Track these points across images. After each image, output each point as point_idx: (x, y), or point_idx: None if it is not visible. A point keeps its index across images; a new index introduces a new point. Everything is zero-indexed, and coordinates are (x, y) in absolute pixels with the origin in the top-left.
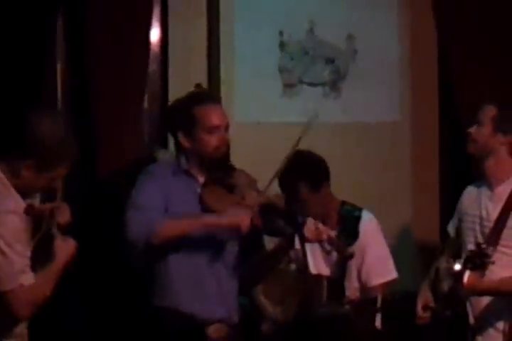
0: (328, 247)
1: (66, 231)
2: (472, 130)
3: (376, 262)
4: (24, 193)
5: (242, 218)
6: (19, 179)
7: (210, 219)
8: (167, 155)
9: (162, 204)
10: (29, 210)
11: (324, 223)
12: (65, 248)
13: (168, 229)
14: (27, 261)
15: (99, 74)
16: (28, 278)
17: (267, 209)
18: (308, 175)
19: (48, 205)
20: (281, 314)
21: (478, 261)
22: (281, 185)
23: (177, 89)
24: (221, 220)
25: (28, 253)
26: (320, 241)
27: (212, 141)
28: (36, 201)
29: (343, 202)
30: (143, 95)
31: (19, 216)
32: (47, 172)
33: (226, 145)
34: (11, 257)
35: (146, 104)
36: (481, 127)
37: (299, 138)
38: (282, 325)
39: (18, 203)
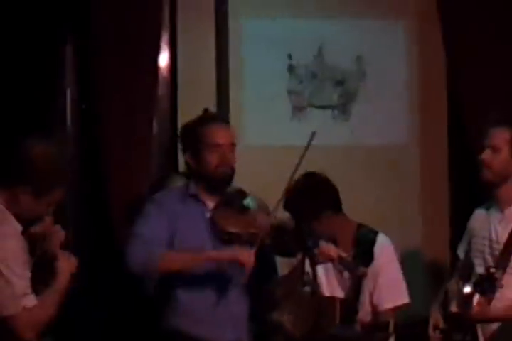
0: (340, 267)
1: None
2: (486, 156)
3: (389, 286)
4: (25, 220)
5: (245, 253)
6: (18, 206)
7: (211, 252)
8: (177, 181)
9: (165, 235)
10: (24, 234)
11: (339, 245)
12: (67, 267)
13: (167, 264)
14: (28, 283)
15: (108, 99)
16: (30, 300)
17: (278, 231)
18: (317, 199)
19: (41, 228)
20: (297, 333)
21: (488, 284)
22: (288, 207)
23: (186, 114)
24: (222, 254)
25: (29, 275)
26: (331, 261)
27: (213, 158)
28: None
29: (360, 225)
30: (152, 119)
31: (18, 240)
32: (44, 196)
33: (229, 165)
34: (12, 281)
35: (155, 129)
36: (496, 152)
37: (302, 156)
38: None
39: (16, 227)
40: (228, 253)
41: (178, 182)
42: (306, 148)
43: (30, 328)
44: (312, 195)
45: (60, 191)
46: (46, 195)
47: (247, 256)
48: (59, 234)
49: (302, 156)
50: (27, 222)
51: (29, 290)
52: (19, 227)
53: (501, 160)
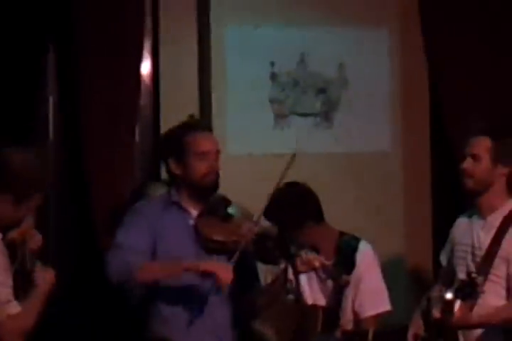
0: (323, 275)
1: (39, 255)
2: (467, 165)
3: (370, 293)
4: (5, 227)
5: (223, 268)
6: None
7: (189, 263)
8: (158, 189)
9: (144, 244)
10: (3, 240)
11: (320, 253)
12: (44, 276)
13: (144, 274)
14: (10, 290)
15: (90, 108)
16: (14, 308)
17: (261, 239)
18: (298, 211)
19: (17, 232)
20: None
21: (469, 290)
22: (269, 217)
23: (169, 122)
24: (200, 265)
25: (10, 282)
26: (314, 270)
27: (201, 167)
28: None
29: (341, 233)
30: (134, 128)
31: None
32: (23, 203)
33: (215, 173)
34: None
35: (137, 137)
36: (477, 161)
37: (286, 168)
38: None
39: None
40: (206, 265)
41: (159, 190)
42: (286, 169)
43: (14, 335)
44: (294, 207)
45: (39, 197)
46: (25, 201)
47: (225, 271)
48: (36, 238)
49: (283, 174)
50: (5, 229)
51: (12, 298)
52: None
53: (482, 168)
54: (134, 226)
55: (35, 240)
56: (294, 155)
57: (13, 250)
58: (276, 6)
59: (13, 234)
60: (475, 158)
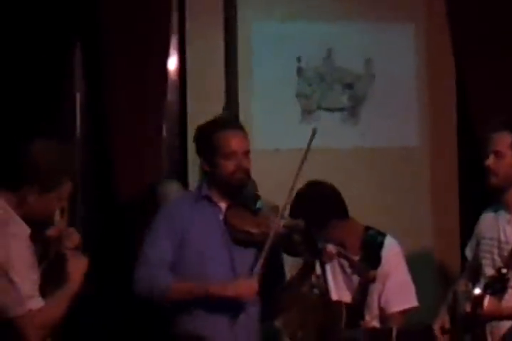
0: (349, 270)
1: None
2: (490, 162)
3: (397, 289)
4: (38, 221)
5: (246, 286)
6: (26, 206)
7: (215, 288)
8: (172, 187)
9: (171, 254)
10: (36, 237)
11: (347, 248)
12: (78, 268)
13: (173, 295)
14: (34, 286)
15: (117, 104)
16: (37, 303)
17: (289, 232)
18: (322, 210)
19: (53, 230)
20: (304, 338)
21: (499, 285)
22: (293, 215)
23: (195, 119)
24: (226, 291)
25: (35, 278)
26: (340, 260)
27: (229, 166)
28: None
29: (367, 228)
30: (161, 124)
31: (23, 240)
32: (51, 193)
33: (244, 171)
34: (18, 282)
35: (164, 133)
36: (499, 158)
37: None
38: None
39: (22, 228)
40: (231, 290)
41: (172, 189)
42: (309, 144)
43: (36, 330)
44: (316, 208)
45: (67, 186)
46: (53, 191)
47: (249, 290)
48: (73, 236)
49: (306, 151)
50: (40, 225)
51: (35, 293)
52: (26, 229)
53: (506, 165)
54: (161, 235)
55: (73, 239)
56: (309, 144)
57: (47, 247)
58: (302, 1)
59: (50, 232)
60: (498, 154)
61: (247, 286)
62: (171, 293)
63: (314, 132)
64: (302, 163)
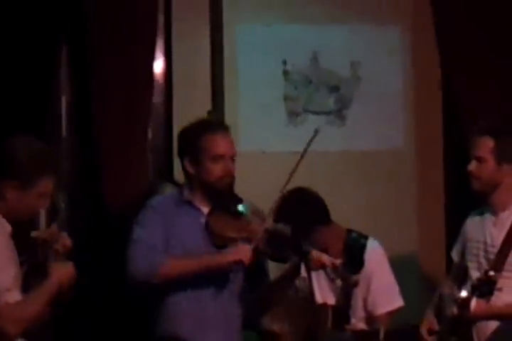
0: (332, 275)
1: (67, 257)
2: (472, 168)
3: (382, 291)
4: (20, 218)
5: (242, 250)
6: (6, 201)
7: (211, 258)
8: (169, 190)
9: (162, 244)
10: (21, 235)
11: (329, 252)
12: (60, 270)
13: (169, 270)
14: (10, 280)
15: (103, 106)
16: (13, 296)
17: (273, 236)
18: (304, 217)
19: (42, 232)
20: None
21: (486, 288)
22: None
23: (181, 120)
24: (222, 259)
25: (13, 272)
26: (324, 269)
27: (216, 169)
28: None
29: (349, 230)
30: (147, 126)
31: (1, 235)
32: (30, 188)
33: (230, 175)
34: None
35: (150, 135)
36: (482, 163)
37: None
38: None
39: (1, 224)
40: (228, 255)
41: (169, 191)
42: (309, 144)
43: (12, 323)
44: (298, 214)
45: (48, 183)
46: (33, 186)
47: (246, 252)
48: (65, 241)
49: (305, 150)
50: (26, 225)
51: (13, 287)
52: (6, 225)
53: (488, 170)
54: (152, 224)
55: (63, 243)
56: (309, 143)
57: (35, 248)
58: (288, 4)
59: (38, 233)
60: (480, 160)
61: (245, 250)
62: (166, 270)
63: (316, 133)
64: (297, 164)
